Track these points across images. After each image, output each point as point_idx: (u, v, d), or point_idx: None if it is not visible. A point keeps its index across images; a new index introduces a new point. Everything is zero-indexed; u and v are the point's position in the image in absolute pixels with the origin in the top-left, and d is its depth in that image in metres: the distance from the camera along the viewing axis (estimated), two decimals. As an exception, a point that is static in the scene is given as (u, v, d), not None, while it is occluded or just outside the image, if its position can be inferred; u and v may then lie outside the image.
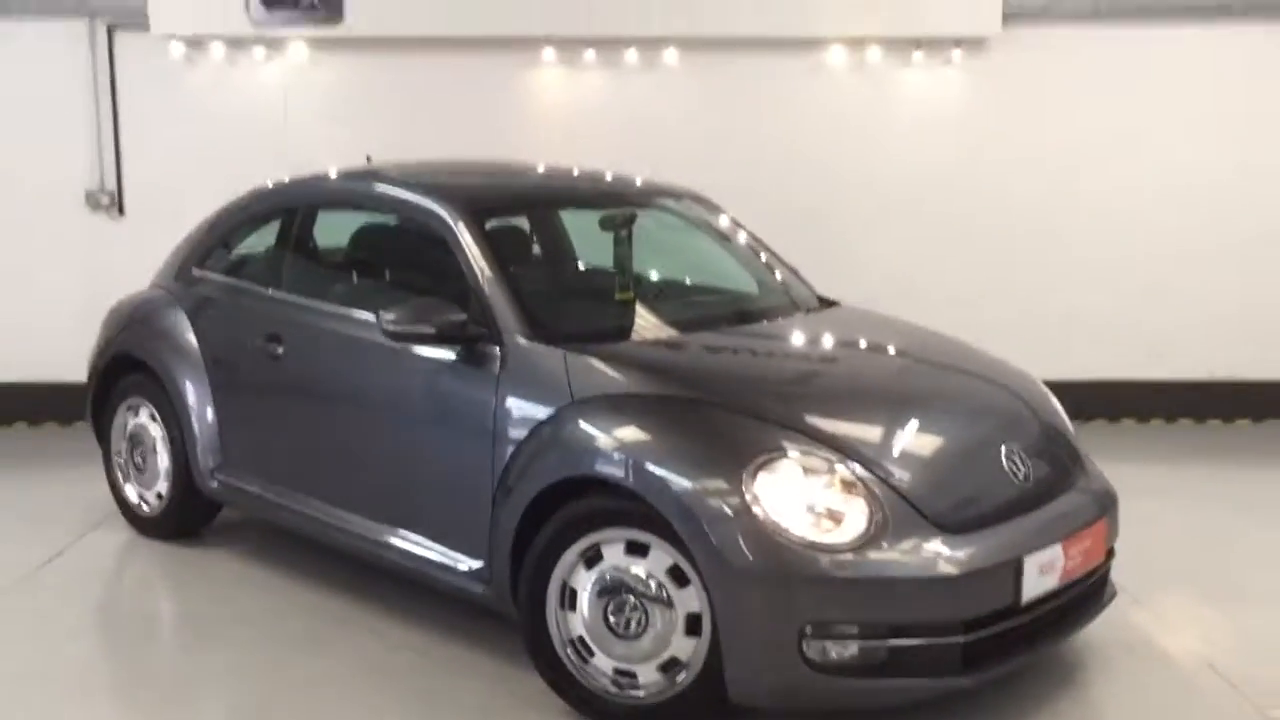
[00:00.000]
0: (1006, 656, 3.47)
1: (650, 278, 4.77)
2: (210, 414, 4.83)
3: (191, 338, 4.93)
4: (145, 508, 5.13)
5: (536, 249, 5.04)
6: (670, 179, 5.21)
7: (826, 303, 4.80)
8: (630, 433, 3.53)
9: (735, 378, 3.97)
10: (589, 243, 4.99)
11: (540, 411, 3.73)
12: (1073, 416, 4.29)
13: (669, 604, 3.43)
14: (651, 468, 3.42)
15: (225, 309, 4.92)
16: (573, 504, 3.58)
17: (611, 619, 3.51)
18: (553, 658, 3.62)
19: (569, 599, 3.58)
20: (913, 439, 3.68)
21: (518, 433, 3.76)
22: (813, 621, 3.25)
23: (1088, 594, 3.81)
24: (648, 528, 3.44)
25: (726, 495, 3.32)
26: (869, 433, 3.63)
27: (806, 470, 3.39)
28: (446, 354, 4.00)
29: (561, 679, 3.61)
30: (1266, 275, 7.02)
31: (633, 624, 3.48)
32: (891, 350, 4.41)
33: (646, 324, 4.19)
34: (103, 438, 5.31)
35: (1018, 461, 3.70)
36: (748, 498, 3.31)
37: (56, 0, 6.71)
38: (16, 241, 6.93)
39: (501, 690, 3.79)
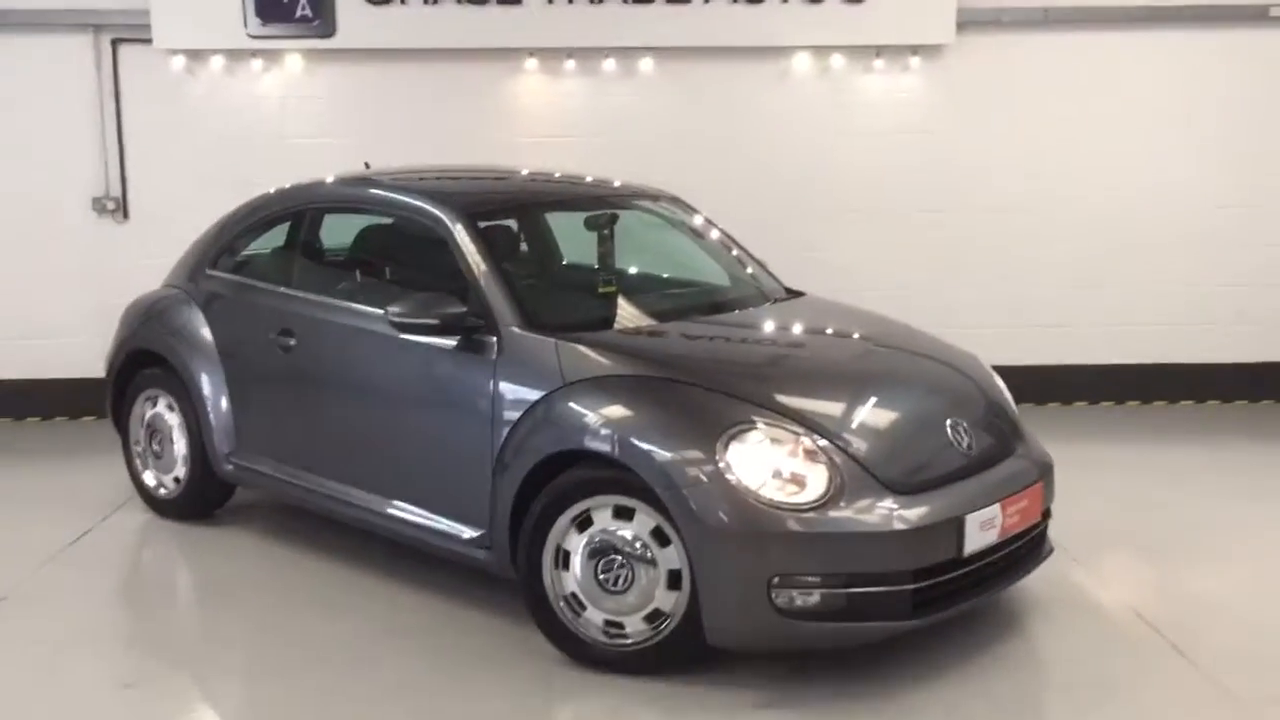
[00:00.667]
0: (952, 602, 3.89)
1: (631, 273, 5.17)
2: (224, 402, 5.17)
3: (206, 333, 5.27)
4: (163, 490, 5.47)
5: (524, 247, 5.38)
6: (646, 180, 5.54)
7: (792, 293, 5.19)
8: (616, 410, 3.93)
9: (709, 360, 4.36)
10: (571, 241, 5.39)
11: (534, 394, 4.11)
12: (1027, 400, 4.63)
13: (652, 562, 3.83)
14: (635, 441, 3.81)
15: (238, 306, 5.25)
16: (565, 475, 3.97)
17: (601, 576, 3.90)
18: (549, 613, 4.00)
19: (563, 560, 3.96)
20: (868, 413, 4.08)
21: (513, 413, 4.14)
22: (780, 573, 3.65)
23: (1026, 549, 4.25)
24: (633, 494, 3.83)
25: (702, 464, 3.72)
26: (829, 408, 4.03)
27: (773, 440, 3.80)
28: (447, 343, 4.35)
29: (557, 631, 4.01)
30: (1208, 266, 7.40)
31: (620, 580, 3.87)
32: (851, 335, 4.82)
33: (628, 314, 4.59)
34: (121, 428, 5.62)
35: (962, 433, 4.12)
36: (721, 465, 3.71)
37: (64, 16, 6.95)
38: (27, 245, 7.17)
39: (504, 643, 4.18)
